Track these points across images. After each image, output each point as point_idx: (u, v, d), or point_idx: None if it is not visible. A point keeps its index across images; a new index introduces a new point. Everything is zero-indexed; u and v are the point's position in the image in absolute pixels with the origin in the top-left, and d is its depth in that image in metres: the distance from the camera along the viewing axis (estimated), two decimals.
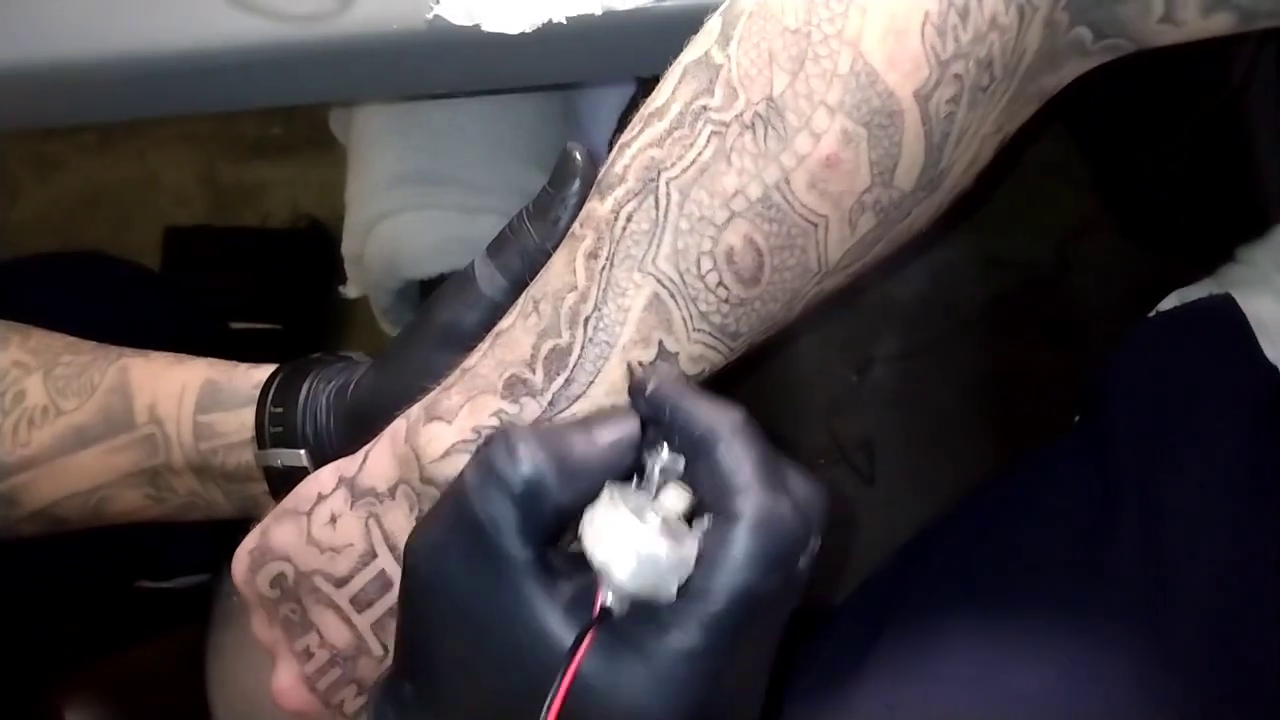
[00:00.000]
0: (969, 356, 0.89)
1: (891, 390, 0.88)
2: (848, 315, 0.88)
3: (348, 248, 0.68)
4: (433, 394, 0.34)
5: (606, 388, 0.31)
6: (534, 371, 0.32)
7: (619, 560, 0.26)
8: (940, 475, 0.86)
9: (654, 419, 0.29)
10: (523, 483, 0.27)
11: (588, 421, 0.29)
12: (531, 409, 0.32)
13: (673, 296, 0.31)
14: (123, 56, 0.41)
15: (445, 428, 0.32)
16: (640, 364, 0.31)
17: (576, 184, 0.34)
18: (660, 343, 0.32)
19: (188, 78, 0.41)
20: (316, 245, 1.03)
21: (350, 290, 0.71)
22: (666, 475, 0.28)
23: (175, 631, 0.69)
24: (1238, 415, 0.49)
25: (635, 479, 0.28)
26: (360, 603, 0.34)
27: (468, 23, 0.40)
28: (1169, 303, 0.55)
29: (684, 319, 0.31)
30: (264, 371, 0.41)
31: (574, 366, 0.32)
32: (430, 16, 0.40)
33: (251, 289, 0.98)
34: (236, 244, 1.04)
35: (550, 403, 0.32)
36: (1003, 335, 0.89)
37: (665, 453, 0.28)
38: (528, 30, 0.40)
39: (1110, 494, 0.49)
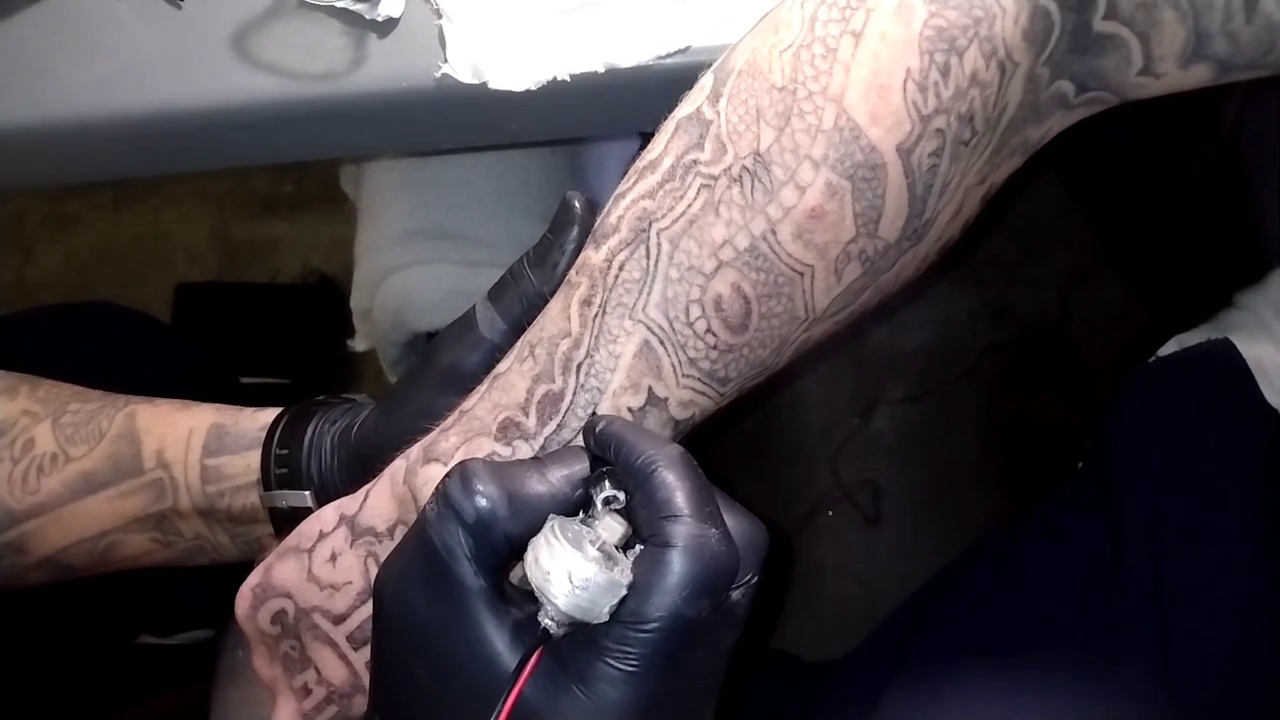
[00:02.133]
0: (972, 403, 0.89)
1: (895, 435, 0.89)
2: (852, 363, 0.89)
3: (357, 301, 0.69)
4: (431, 435, 0.35)
5: None
6: (527, 415, 0.33)
7: (554, 583, 0.28)
8: (945, 518, 0.86)
9: (603, 456, 0.31)
10: (475, 513, 0.28)
11: (540, 459, 0.31)
12: (524, 453, 0.33)
13: (662, 343, 0.32)
14: (140, 115, 0.43)
15: (441, 470, 0.33)
16: (594, 413, 0.33)
17: (575, 231, 0.35)
18: (650, 389, 0.33)
19: (203, 135, 0.43)
20: (326, 300, 1.05)
21: (358, 344, 0.73)
22: (608, 507, 0.30)
23: (179, 689, 0.69)
24: (1240, 459, 0.49)
25: (582, 512, 0.30)
26: (357, 640, 0.34)
27: (474, 80, 0.42)
28: (1169, 348, 0.56)
29: (673, 365, 0.33)
30: (270, 414, 0.42)
31: (565, 411, 0.33)
32: (438, 75, 0.42)
33: (261, 344, 1.00)
34: (246, 299, 1.06)
35: (542, 447, 0.33)
36: (1005, 383, 0.90)
37: (607, 486, 0.30)
38: (532, 88, 0.41)
39: (1116, 542, 0.50)
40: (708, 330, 0.32)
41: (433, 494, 0.30)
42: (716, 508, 0.29)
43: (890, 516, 0.87)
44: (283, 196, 1.13)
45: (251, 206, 1.14)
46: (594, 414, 0.33)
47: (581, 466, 0.31)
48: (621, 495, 0.30)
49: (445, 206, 0.66)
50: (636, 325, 0.32)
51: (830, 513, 0.88)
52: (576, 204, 0.35)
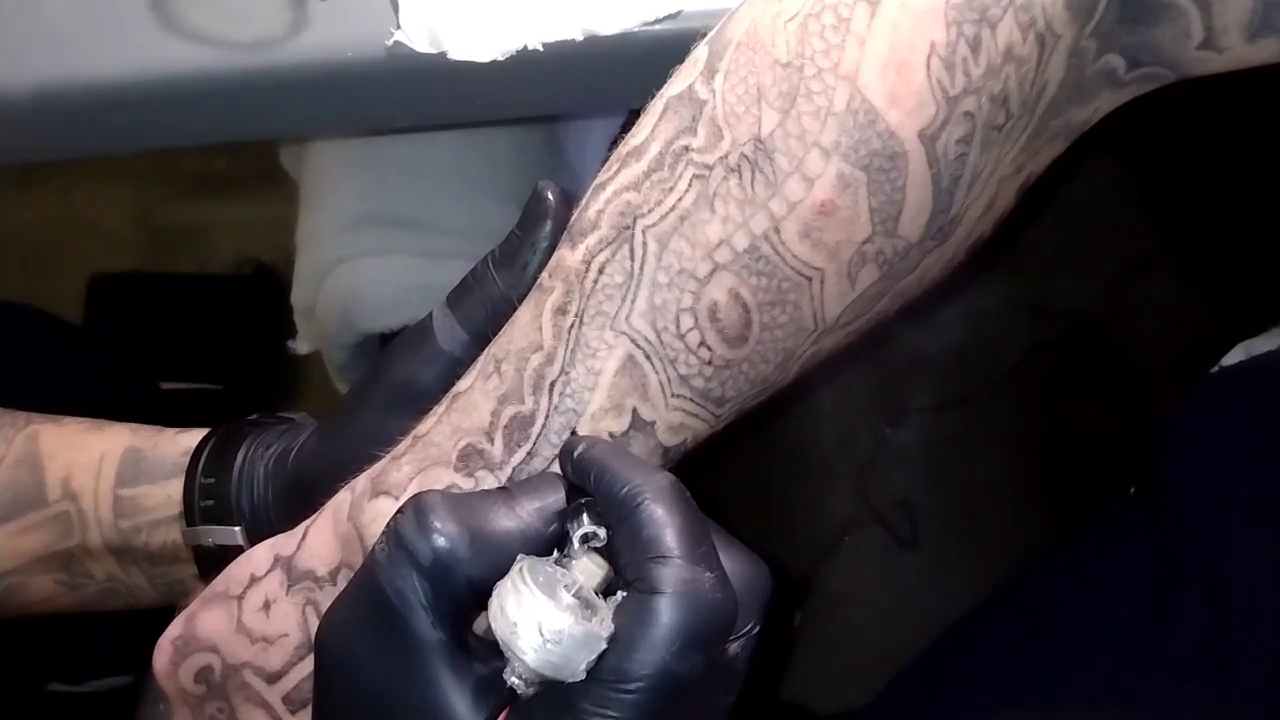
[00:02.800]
0: (1009, 412, 0.89)
1: (927, 448, 0.89)
2: (875, 367, 0.90)
3: (298, 297, 0.69)
4: (381, 464, 0.35)
5: None
6: (492, 441, 0.33)
7: (523, 636, 0.28)
8: (978, 542, 0.86)
9: (581, 486, 0.31)
10: (432, 554, 0.28)
11: (508, 490, 0.31)
12: (488, 484, 0.33)
13: (649, 358, 0.32)
14: (48, 88, 0.42)
15: (392, 504, 0.33)
16: (574, 433, 0.33)
17: (547, 227, 0.35)
18: (634, 410, 0.33)
19: (117, 112, 0.43)
20: (263, 294, 1.04)
21: (301, 345, 0.73)
22: (587, 545, 0.30)
23: None
24: None
25: (557, 551, 0.30)
26: (294, 701, 0.34)
27: (432, 50, 0.41)
28: (1234, 356, 0.56)
29: (661, 383, 0.32)
30: (194, 437, 0.42)
31: (537, 438, 0.33)
32: (390, 43, 0.41)
33: (188, 343, 1.00)
34: (171, 292, 1.05)
35: (510, 478, 0.33)
36: (1048, 390, 0.90)
37: (586, 521, 0.30)
38: (499, 58, 0.41)
39: (1170, 574, 0.50)
40: (701, 343, 0.32)
41: (383, 532, 0.29)
42: (712, 547, 0.29)
43: (928, 536, 0.88)
44: (214, 174, 1.13)
45: (178, 185, 1.13)
46: (573, 434, 0.33)
47: (556, 498, 0.31)
48: (602, 532, 0.30)
49: (402, 188, 0.66)
50: (619, 337, 0.32)
51: (847, 538, 0.88)
52: (549, 195, 0.35)
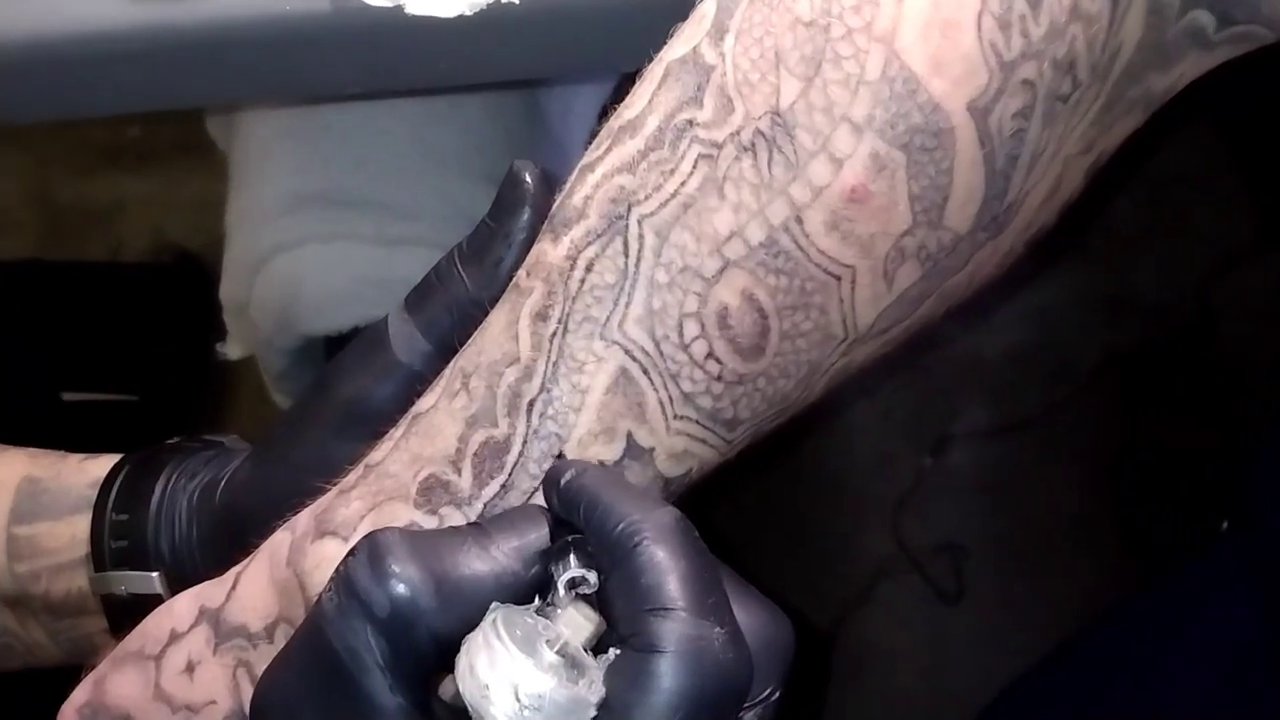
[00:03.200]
0: (1080, 434, 0.89)
1: (978, 479, 0.89)
2: (918, 379, 0.90)
3: (228, 291, 0.69)
4: (327, 497, 0.35)
5: None
6: (459, 472, 0.33)
7: (496, 701, 0.28)
8: (1042, 588, 0.86)
9: (569, 520, 0.31)
10: (390, 605, 0.28)
11: (481, 525, 0.31)
12: (455, 522, 0.33)
13: (646, 373, 0.33)
14: None
15: (341, 547, 0.33)
16: (561, 455, 0.33)
17: (525, 215, 0.35)
18: (629, 435, 0.33)
19: (10, 78, 0.43)
20: (186, 287, 1.04)
21: (231, 349, 0.73)
22: (574, 592, 0.30)
23: None
24: None
25: (538, 599, 0.30)
26: None
27: (387, 2, 0.42)
28: None
29: (662, 402, 0.33)
30: (104, 464, 0.42)
31: (513, 468, 0.33)
32: None
33: (96, 346, 1.00)
34: (77, 283, 1.05)
35: (481, 515, 0.33)
36: (1126, 405, 0.90)
37: (573, 563, 0.30)
38: (468, 13, 0.42)
39: (1273, 628, 0.50)
40: (709, 355, 0.32)
41: (331, 579, 0.30)
42: (723, 597, 0.29)
43: (975, 589, 0.88)
44: (127, 144, 1.13)
45: (84, 158, 1.13)
46: (559, 458, 0.33)
47: (538, 535, 0.31)
48: (593, 577, 0.30)
49: (352, 162, 0.66)
50: (610, 348, 0.33)
51: (881, 585, 0.89)
52: (527, 176, 0.35)
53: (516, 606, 0.30)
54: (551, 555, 0.31)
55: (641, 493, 0.31)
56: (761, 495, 0.85)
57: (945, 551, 0.88)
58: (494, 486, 0.33)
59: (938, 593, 0.88)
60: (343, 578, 0.29)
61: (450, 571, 0.29)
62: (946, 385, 0.89)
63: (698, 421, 0.33)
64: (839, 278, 0.32)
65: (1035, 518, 0.88)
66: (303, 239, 0.66)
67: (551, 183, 0.36)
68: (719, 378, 0.33)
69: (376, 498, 0.34)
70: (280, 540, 0.35)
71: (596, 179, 0.33)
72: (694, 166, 0.32)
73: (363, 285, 0.65)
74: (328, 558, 0.33)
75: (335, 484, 0.35)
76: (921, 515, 0.88)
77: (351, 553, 0.30)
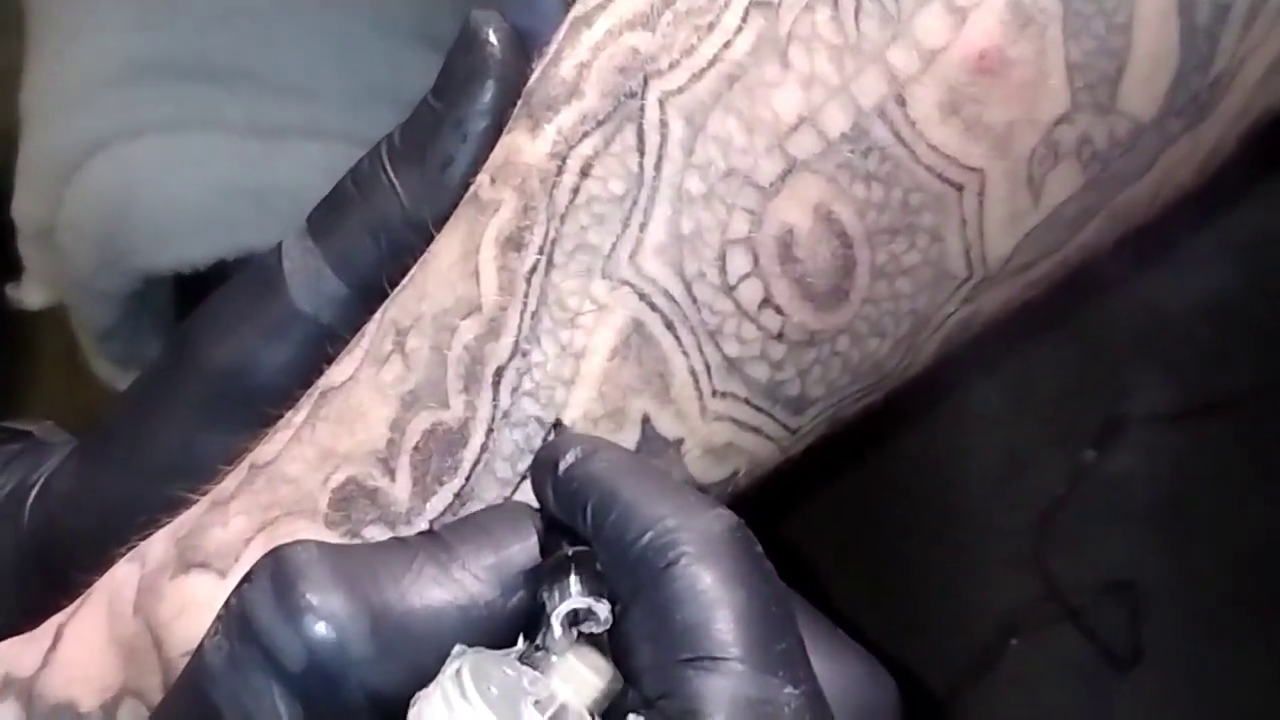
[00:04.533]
0: None
1: (1159, 485, 0.88)
2: (1073, 342, 0.90)
3: (24, 207, 0.69)
4: (192, 513, 0.35)
5: None
6: (392, 475, 0.34)
7: None
8: (1258, 656, 0.87)
9: (568, 524, 0.31)
10: (307, 654, 0.29)
11: (437, 534, 0.32)
12: None
13: (671, 328, 0.33)
14: None
15: (216, 585, 0.34)
16: (558, 428, 0.33)
17: (487, 92, 0.36)
18: (646, 420, 0.34)
19: None
20: None
21: (31, 294, 0.73)
22: (574, 628, 0.30)
23: None
24: None
25: (523, 640, 0.31)
26: None
27: None
28: None
29: (694, 373, 0.33)
30: None
31: (473, 469, 0.34)
32: None
33: None
34: None
35: None
36: None
37: (574, 588, 0.30)
38: None
39: None
40: (766, 301, 0.33)
41: (218, 618, 0.30)
42: (797, 643, 0.30)
43: (1156, 647, 0.88)
44: None
45: None
46: (552, 431, 0.33)
47: (523, 546, 0.31)
48: (604, 609, 0.30)
49: (211, 16, 0.66)
50: (619, 291, 0.33)
51: (1016, 640, 0.89)
52: (491, 34, 0.36)
53: (491, 651, 0.30)
54: (543, 576, 0.31)
55: (678, 487, 0.32)
56: (846, 512, 0.85)
57: (1113, 593, 0.88)
58: (444, 496, 0.34)
59: (1102, 652, 0.88)
60: (236, 615, 0.29)
61: (392, 602, 0.30)
62: (1115, 350, 0.89)
63: (748, 401, 0.34)
64: (960, 187, 0.32)
65: (1243, 542, 0.88)
66: (138, 127, 0.66)
67: (527, 43, 0.36)
68: (779, 336, 0.33)
69: (268, 512, 0.34)
70: (123, 577, 0.35)
71: (596, 38, 0.34)
72: (744, 19, 0.32)
73: (232, 198, 0.65)
74: (195, 601, 0.33)
75: (205, 493, 0.36)
76: (1078, 540, 0.88)
77: (248, 578, 0.30)
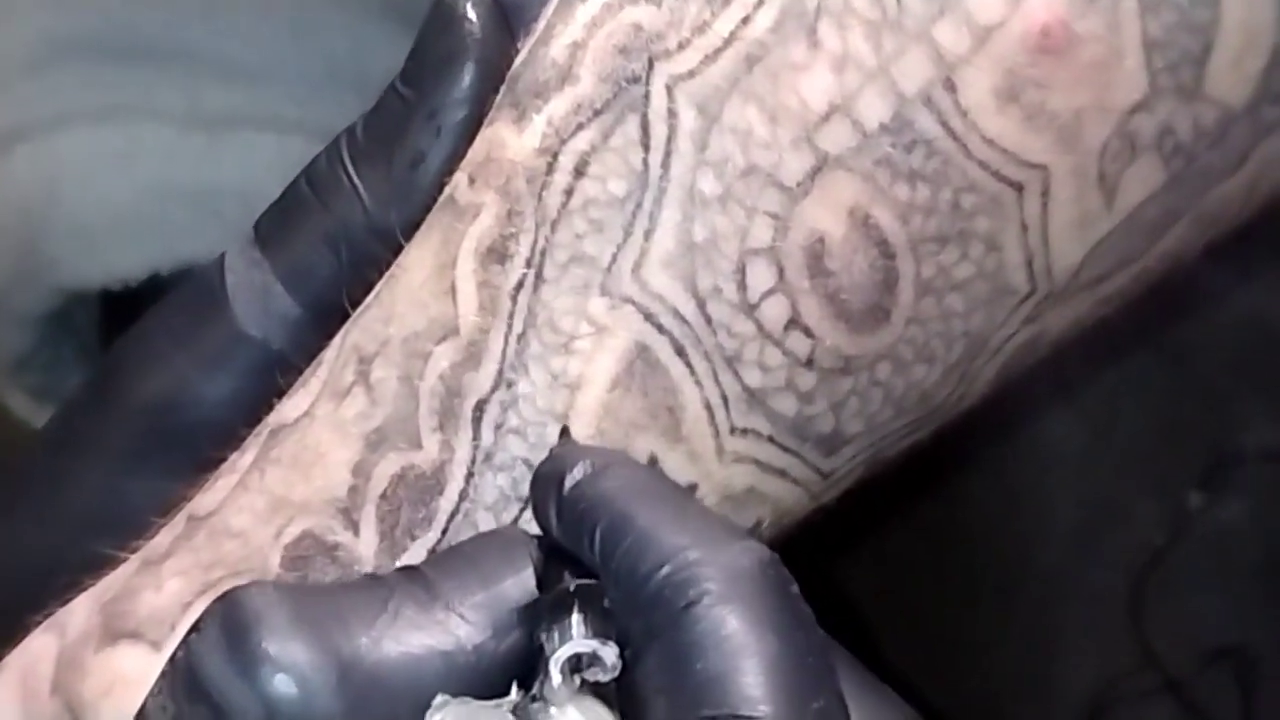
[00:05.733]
0: None
1: (1278, 531, 0.89)
2: (1165, 367, 0.90)
3: None
4: (121, 573, 0.36)
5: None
6: (355, 528, 0.34)
7: None
8: None
9: (572, 549, 0.31)
10: (265, 713, 0.29)
11: (418, 570, 0.32)
12: None
13: (682, 354, 0.34)
14: None
15: (147, 656, 0.34)
16: (563, 436, 0.34)
17: (465, 78, 0.36)
18: (653, 460, 0.34)
19: None
20: None
21: None
22: (577, 676, 0.30)
23: None
24: None
25: (516, 688, 0.31)
26: None
27: None
28: None
29: (710, 405, 0.34)
30: None
31: (449, 520, 0.34)
32: None
33: None
34: None
35: None
36: None
37: (577, 630, 0.30)
38: None
39: None
40: (793, 322, 0.33)
41: (163, 675, 0.30)
42: (837, 699, 0.30)
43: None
44: None
45: None
46: (562, 438, 0.34)
47: (517, 580, 0.31)
48: (611, 653, 0.30)
49: None
50: (620, 310, 0.34)
51: (1109, 715, 0.89)
52: (470, 10, 0.36)
53: (478, 701, 0.30)
54: (541, 614, 0.31)
55: (703, 512, 0.32)
56: (890, 567, 0.85)
57: (1220, 662, 0.89)
58: (416, 552, 0.34)
59: None
60: (182, 670, 0.29)
61: (364, 650, 0.30)
62: (1220, 377, 0.89)
63: (772, 439, 0.34)
64: (1020, 186, 0.33)
65: None
66: (58, 117, 0.66)
67: (512, 19, 0.36)
68: (809, 362, 0.34)
69: (209, 573, 0.35)
70: (39, 650, 0.36)
71: (592, 12, 0.34)
72: None
73: (168, 199, 0.65)
74: (124, 677, 0.34)
75: (135, 550, 0.36)
76: (1179, 599, 0.88)
77: (196, 628, 0.30)
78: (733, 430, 0.34)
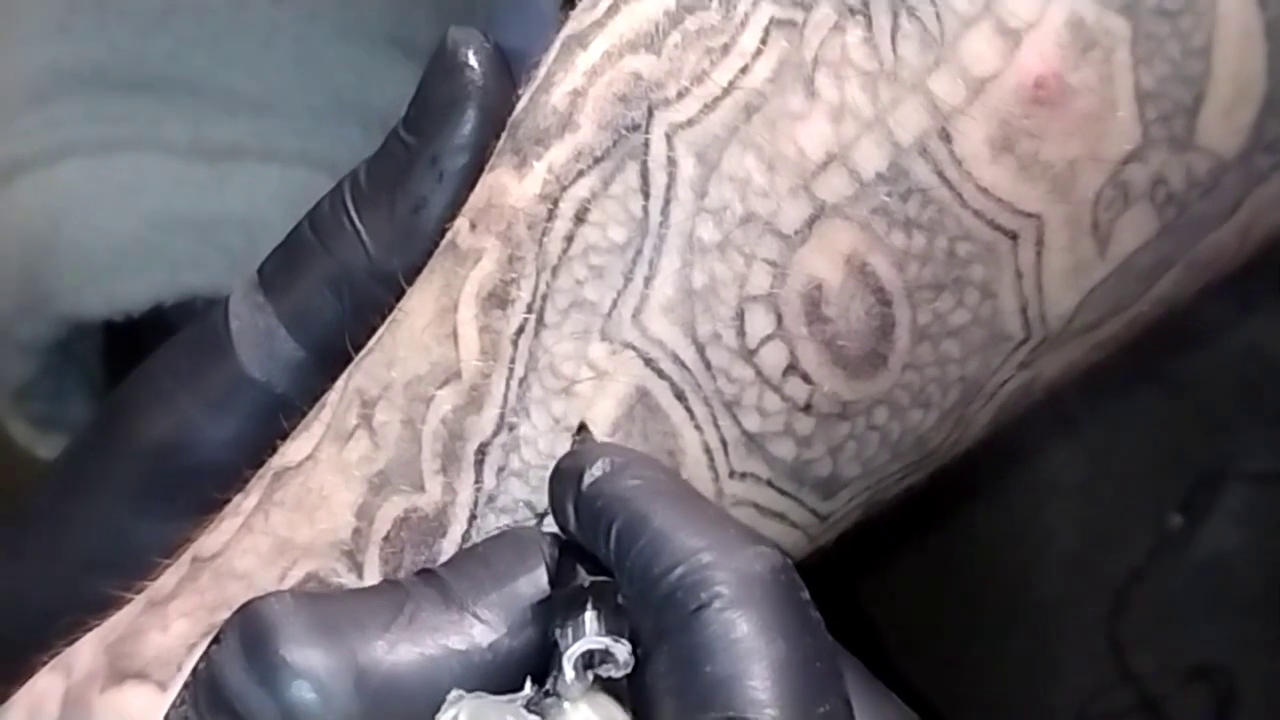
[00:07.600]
0: None
1: (1257, 556, 0.88)
2: (1155, 397, 0.90)
3: None
4: (126, 614, 0.36)
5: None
6: (359, 570, 0.34)
7: None
8: None
9: (588, 546, 0.31)
10: (287, 714, 0.29)
11: (434, 573, 0.32)
12: None
13: (682, 399, 0.33)
14: None
15: (154, 697, 0.34)
16: (581, 433, 0.34)
17: (467, 123, 0.36)
18: None
19: None
20: None
21: None
22: (589, 673, 0.30)
23: None
24: None
25: (530, 684, 0.31)
26: None
27: None
28: None
29: (709, 450, 0.34)
30: None
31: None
32: None
33: None
34: None
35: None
36: None
37: (591, 627, 0.30)
38: None
39: None
40: (791, 368, 0.33)
41: (186, 685, 0.30)
42: (844, 704, 0.30)
43: None
44: None
45: None
46: (581, 434, 0.34)
47: (531, 578, 0.31)
48: (623, 651, 0.30)
49: (147, 17, 0.66)
50: (620, 355, 0.34)
51: None
52: (471, 56, 0.36)
53: (492, 696, 0.30)
54: (556, 611, 0.31)
55: (720, 516, 0.31)
56: (897, 592, 0.85)
57: (1201, 681, 0.89)
58: None
59: None
60: (204, 681, 0.30)
61: (381, 654, 0.30)
62: (1209, 401, 0.89)
63: (770, 483, 0.34)
64: (1014, 235, 0.33)
65: None
66: (63, 148, 0.66)
67: (513, 66, 0.37)
68: (807, 407, 0.34)
69: (214, 614, 0.34)
70: (45, 689, 0.36)
71: (592, 61, 0.34)
72: (763, 40, 0.33)
73: (172, 230, 0.65)
74: (130, 717, 0.34)
75: (140, 590, 0.36)
76: (1159, 619, 0.88)
77: (216, 639, 0.30)
78: (732, 474, 0.34)
